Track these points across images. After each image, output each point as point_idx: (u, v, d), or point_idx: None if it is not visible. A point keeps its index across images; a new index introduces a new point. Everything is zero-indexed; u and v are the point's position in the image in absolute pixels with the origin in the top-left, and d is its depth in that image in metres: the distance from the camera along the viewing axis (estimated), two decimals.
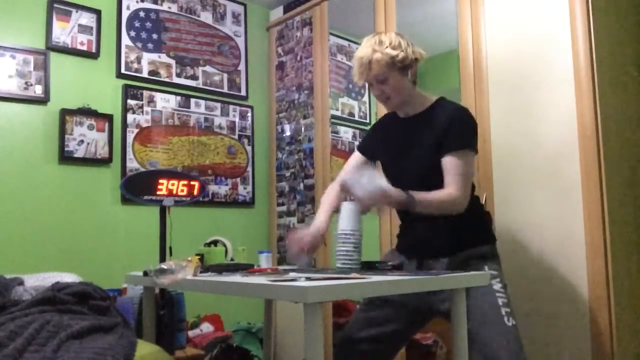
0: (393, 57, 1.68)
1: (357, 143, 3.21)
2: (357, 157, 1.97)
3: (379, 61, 1.68)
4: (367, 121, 3.19)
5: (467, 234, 1.72)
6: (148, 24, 3.13)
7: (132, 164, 2.96)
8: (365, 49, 1.72)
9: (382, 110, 2.76)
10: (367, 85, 1.83)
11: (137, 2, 3.10)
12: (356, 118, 3.21)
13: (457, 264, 1.70)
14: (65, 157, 2.74)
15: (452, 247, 1.72)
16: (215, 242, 2.12)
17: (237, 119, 3.46)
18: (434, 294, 1.72)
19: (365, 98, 3.20)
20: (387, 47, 1.69)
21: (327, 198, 1.94)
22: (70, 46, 2.82)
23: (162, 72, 3.16)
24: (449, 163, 1.67)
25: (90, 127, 2.83)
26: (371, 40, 1.73)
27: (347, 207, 1.71)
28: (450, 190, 1.64)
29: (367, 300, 1.87)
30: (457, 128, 1.69)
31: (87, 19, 2.89)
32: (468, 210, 1.67)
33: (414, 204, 1.58)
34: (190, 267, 1.61)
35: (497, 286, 1.65)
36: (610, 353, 1.82)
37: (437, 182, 1.69)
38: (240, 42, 3.55)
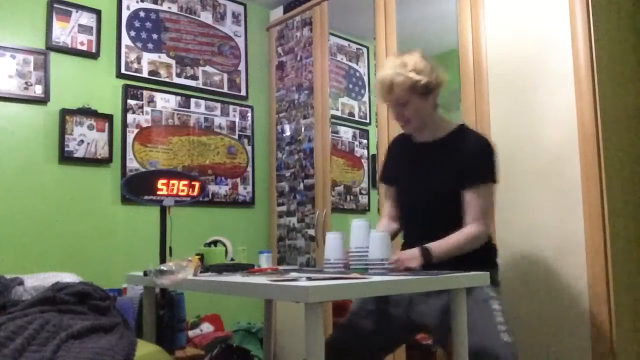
0: (415, 82, 1.67)
1: (356, 143, 3.21)
2: (386, 188, 1.97)
3: (400, 85, 1.67)
4: (367, 121, 3.19)
5: (472, 259, 1.66)
6: (148, 24, 3.13)
7: (132, 164, 2.96)
8: (388, 70, 1.70)
9: (382, 111, 2.76)
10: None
11: (137, 2, 3.10)
12: (356, 118, 3.21)
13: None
14: (65, 157, 2.74)
15: (455, 270, 1.68)
16: (215, 242, 2.11)
17: (237, 119, 3.46)
18: (417, 307, 1.71)
19: (365, 98, 3.21)
20: (410, 70, 1.67)
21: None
22: (70, 46, 2.82)
23: (162, 72, 3.16)
24: (471, 197, 1.66)
25: (90, 127, 2.83)
26: (395, 62, 1.71)
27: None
28: (471, 228, 1.64)
29: (354, 309, 1.86)
30: (479, 160, 1.69)
31: (87, 19, 2.89)
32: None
33: (430, 257, 1.59)
34: (190, 267, 1.61)
35: (495, 306, 1.62)
36: (611, 353, 1.82)
37: (452, 209, 1.69)
38: (240, 42, 3.55)
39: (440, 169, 1.74)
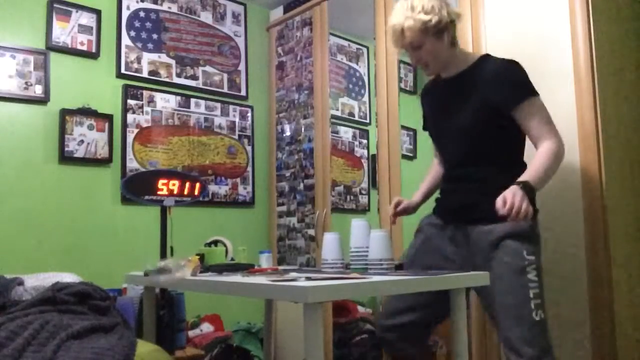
0: (426, 22, 1.63)
1: (356, 143, 3.21)
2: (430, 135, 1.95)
3: (412, 28, 1.64)
4: (367, 121, 3.19)
5: None
6: (148, 24, 3.13)
7: (132, 164, 2.96)
8: (397, 16, 1.68)
9: (382, 111, 2.76)
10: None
11: (137, 2, 3.10)
12: (356, 118, 3.21)
13: (494, 240, 1.63)
14: (65, 157, 2.74)
15: (494, 215, 1.53)
16: (215, 242, 2.12)
17: (237, 119, 3.46)
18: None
19: (365, 98, 3.20)
20: (419, 12, 1.64)
21: (426, 177, 1.99)
22: (70, 46, 2.82)
23: (162, 72, 3.16)
24: (525, 116, 1.61)
25: (90, 127, 2.83)
26: (403, 5, 1.68)
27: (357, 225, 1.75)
28: (547, 144, 1.58)
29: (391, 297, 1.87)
30: (517, 78, 1.64)
31: (87, 19, 2.89)
32: (516, 176, 1.57)
33: (533, 193, 1.51)
34: (189, 266, 1.61)
35: (531, 274, 1.58)
36: (611, 354, 1.82)
37: (487, 138, 1.67)
38: (240, 42, 3.55)
39: (470, 98, 1.68)
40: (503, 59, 1.72)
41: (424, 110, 1.97)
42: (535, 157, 1.60)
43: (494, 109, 1.65)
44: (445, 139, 1.82)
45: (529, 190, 1.50)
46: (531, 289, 1.57)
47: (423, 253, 1.82)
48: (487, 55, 1.78)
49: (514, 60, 1.70)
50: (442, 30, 1.66)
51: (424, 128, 1.98)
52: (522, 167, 1.67)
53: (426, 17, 1.63)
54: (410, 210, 1.93)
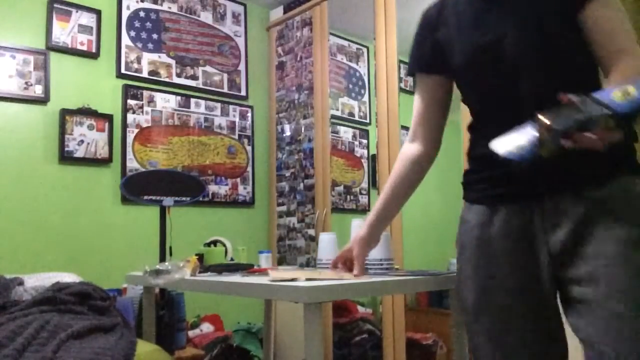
0: None
1: (356, 143, 3.21)
2: (419, 84, 1.32)
3: None
4: (367, 121, 3.19)
5: (607, 153, 0.87)
6: (148, 24, 3.14)
7: (132, 164, 2.96)
8: None
9: (382, 111, 2.76)
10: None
11: (137, 2, 3.10)
12: (356, 118, 3.21)
13: (598, 209, 1.02)
14: (65, 157, 2.74)
15: (586, 176, 1.03)
16: (215, 242, 2.12)
17: (237, 119, 3.46)
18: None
19: (365, 98, 3.21)
20: None
21: (390, 179, 1.34)
22: (70, 46, 2.82)
23: (162, 72, 3.16)
24: (604, 16, 1.04)
25: (90, 127, 2.83)
26: None
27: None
28: (634, 59, 0.99)
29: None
30: None
31: (87, 19, 2.89)
32: None
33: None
34: (188, 267, 1.61)
35: None
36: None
37: (563, 59, 1.07)
38: (240, 42, 3.55)
39: (519, 9, 1.10)
40: None
41: (421, 43, 1.28)
42: (620, 76, 0.95)
43: (558, 14, 1.07)
44: (492, 72, 1.14)
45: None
46: None
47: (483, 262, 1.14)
48: None
49: None
50: None
51: (416, 69, 1.31)
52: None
53: None
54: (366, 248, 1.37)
